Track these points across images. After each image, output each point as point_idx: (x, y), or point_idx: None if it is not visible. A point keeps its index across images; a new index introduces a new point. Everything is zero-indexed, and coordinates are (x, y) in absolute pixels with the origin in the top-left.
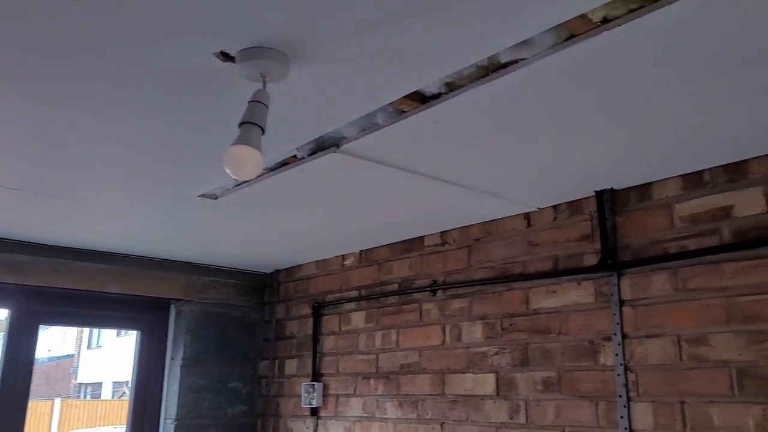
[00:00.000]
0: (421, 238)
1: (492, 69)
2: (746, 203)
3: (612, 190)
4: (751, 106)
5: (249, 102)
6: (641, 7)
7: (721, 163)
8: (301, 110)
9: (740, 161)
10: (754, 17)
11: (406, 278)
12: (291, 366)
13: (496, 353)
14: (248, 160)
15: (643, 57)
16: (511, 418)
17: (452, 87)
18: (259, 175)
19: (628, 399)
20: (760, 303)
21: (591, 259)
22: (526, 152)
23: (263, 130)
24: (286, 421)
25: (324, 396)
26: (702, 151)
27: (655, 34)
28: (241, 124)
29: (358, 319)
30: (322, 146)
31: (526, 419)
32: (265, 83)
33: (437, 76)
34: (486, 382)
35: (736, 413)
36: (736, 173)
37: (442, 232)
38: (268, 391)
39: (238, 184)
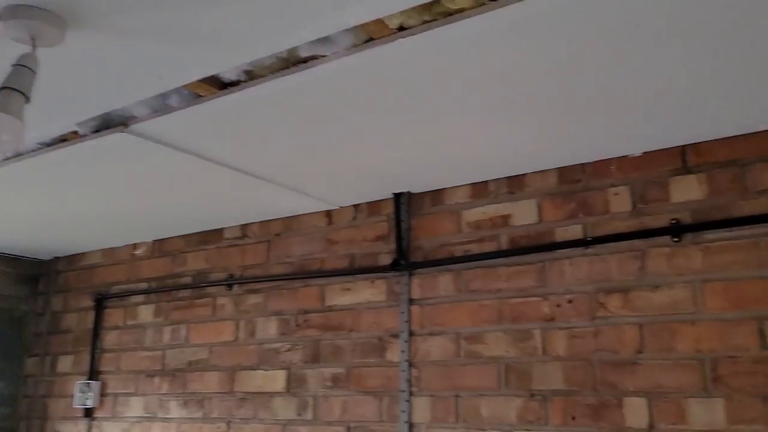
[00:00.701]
0: (220, 231)
1: (292, 62)
2: (522, 213)
3: (409, 193)
4: (527, 126)
5: (12, 66)
6: (434, 20)
7: (504, 176)
8: (81, 82)
9: (519, 175)
10: (531, 47)
11: (200, 271)
12: (65, 363)
13: (289, 349)
14: (5, 130)
15: (434, 68)
16: (299, 415)
17: (252, 76)
18: (33, 150)
19: (410, 394)
20: (526, 305)
21: (385, 259)
22: (329, 150)
23: (27, 99)
24: (54, 424)
25: (101, 396)
26: (487, 162)
27: (447, 47)
28: (0, 89)
29: (145, 313)
30: (108, 124)
31: (314, 415)
32: (34, 47)
33: (234, 63)
34: (276, 379)
35: (501, 405)
36: (515, 185)
37: (242, 225)
38: (35, 391)
39: (6, 158)
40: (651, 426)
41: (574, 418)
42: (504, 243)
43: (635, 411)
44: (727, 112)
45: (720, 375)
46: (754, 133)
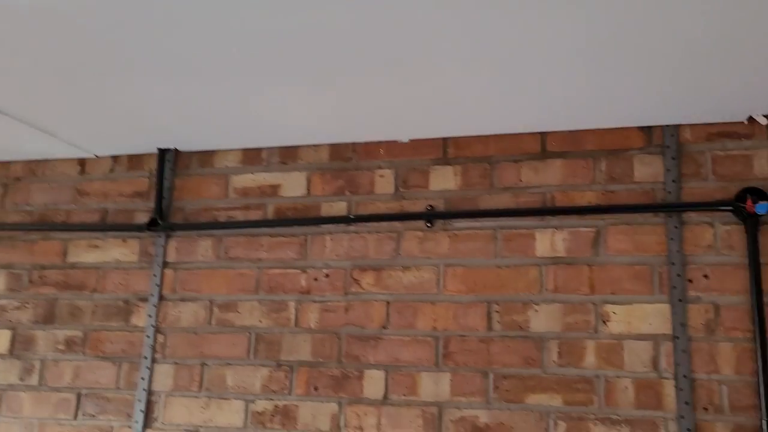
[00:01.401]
0: None
1: None
2: (291, 185)
3: (176, 150)
4: (303, 97)
5: None
6: None
7: (278, 145)
8: None
9: (293, 146)
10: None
11: None
12: None
13: (18, 308)
14: None
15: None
16: (22, 380)
17: None
18: None
19: (153, 361)
20: (284, 276)
21: (142, 218)
22: (86, 89)
23: None
24: None
25: None
26: (262, 129)
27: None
28: None
29: None
30: None
31: (39, 381)
32: None
33: None
34: None
35: (248, 374)
36: (287, 156)
37: None
38: None
39: None
40: (385, 397)
41: (316, 389)
42: (270, 213)
43: (373, 383)
44: (484, 112)
45: (450, 352)
46: (504, 134)
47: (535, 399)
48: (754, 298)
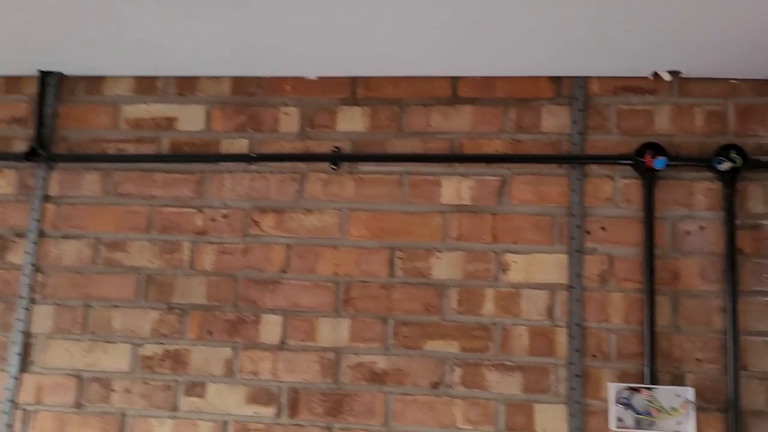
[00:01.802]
0: None
1: None
2: (189, 118)
3: (60, 74)
4: (205, 22)
5: None
6: None
7: (175, 74)
8: None
9: (192, 77)
10: None
11: None
12: None
13: None
14: None
15: None
16: None
17: None
18: None
19: (31, 301)
20: (179, 215)
21: (20, 146)
22: None
23: None
24: None
25: None
26: (158, 56)
27: None
28: None
29: None
30: None
31: None
32: None
33: None
34: None
35: (137, 317)
36: (186, 87)
37: None
38: None
39: None
40: (282, 342)
41: (210, 333)
42: (165, 147)
43: (270, 328)
44: (395, 52)
45: (350, 298)
46: (415, 77)
47: (433, 345)
48: (646, 250)
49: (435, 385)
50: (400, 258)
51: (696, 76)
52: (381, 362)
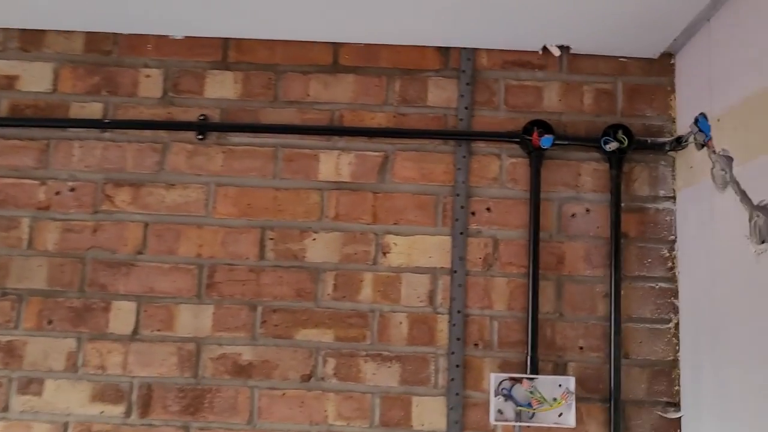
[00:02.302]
0: None
1: None
2: (33, 77)
3: None
4: None
5: None
6: None
7: (18, 27)
8: None
9: (38, 30)
10: None
11: None
12: None
13: None
14: None
15: None
16: None
17: None
18: None
19: None
20: (18, 187)
21: None
22: None
23: None
24: None
25: None
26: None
27: None
28: None
29: None
30: None
31: None
32: None
33: None
34: None
35: None
36: (30, 42)
37: None
38: None
39: None
40: (135, 332)
41: (51, 322)
42: (3, 109)
43: (122, 316)
44: (271, 13)
45: (215, 282)
46: (293, 41)
47: (305, 334)
48: (531, 233)
49: (306, 378)
50: (272, 239)
51: (585, 52)
52: (247, 353)
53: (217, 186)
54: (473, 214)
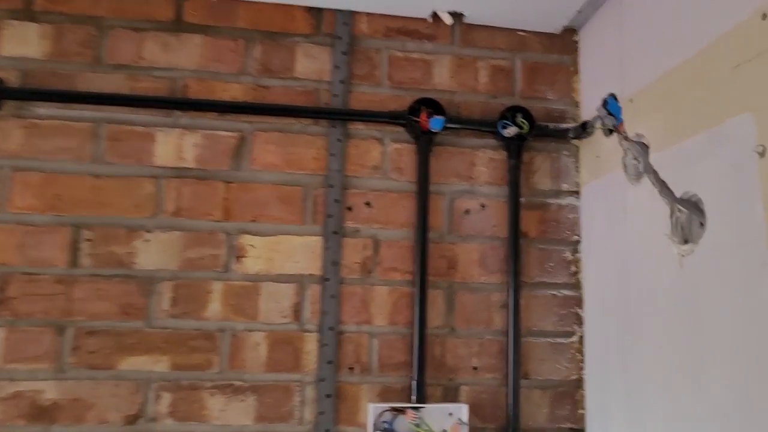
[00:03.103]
0: None
1: None
2: None
3: None
4: None
5: None
6: None
7: None
8: None
9: None
10: None
11: None
12: None
13: None
14: None
15: None
16: None
17: None
18: None
19: None
20: None
21: None
22: None
23: None
24: None
25: None
26: None
27: None
28: None
29: None
30: None
31: None
32: None
33: None
34: None
35: None
36: None
37: None
38: None
39: None
40: None
41: None
42: None
43: None
44: None
45: (7, 297)
46: None
47: (132, 363)
48: (419, 233)
49: (131, 420)
50: (89, 240)
51: (481, 22)
52: (51, 391)
53: (14, 171)
54: (350, 209)
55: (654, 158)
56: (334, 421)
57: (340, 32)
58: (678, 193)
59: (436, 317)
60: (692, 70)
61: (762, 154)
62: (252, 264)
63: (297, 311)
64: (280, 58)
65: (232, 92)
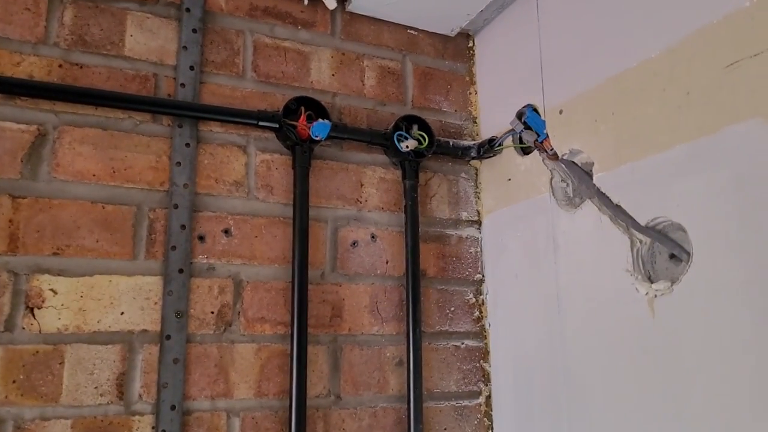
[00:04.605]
0: None
1: None
2: None
3: None
4: None
5: None
6: None
7: None
8: None
9: None
10: None
11: None
12: None
13: None
14: None
15: None
16: None
17: None
18: None
19: None
20: None
21: None
22: None
23: None
24: None
25: None
26: None
27: None
28: None
29: None
30: None
31: None
32: None
33: None
34: None
35: None
36: None
37: None
38: None
39: None
40: None
41: None
42: None
43: None
44: None
45: None
46: None
47: None
48: (295, 271)
49: None
50: None
51: (367, 12)
52: None
53: None
54: (201, 239)
55: (601, 178)
56: None
57: (190, 3)
58: (644, 221)
59: (318, 382)
60: (653, 73)
61: None
62: (52, 318)
63: (121, 386)
64: (102, 26)
65: (28, 68)
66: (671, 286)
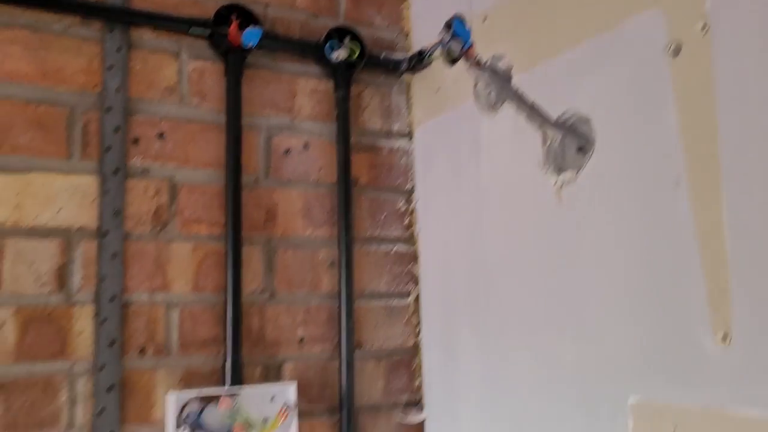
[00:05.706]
0: None
1: None
2: None
3: None
4: None
5: None
6: None
7: None
8: None
9: None
10: None
11: None
12: None
13: None
14: None
15: None
16: None
17: None
18: None
19: None
20: None
21: None
22: None
23: None
24: None
25: None
26: None
27: None
28: None
29: None
30: None
31: None
32: None
33: None
34: None
35: None
36: None
37: None
38: None
39: None
40: None
41: None
42: None
43: None
44: None
45: None
46: None
47: None
48: (229, 174)
49: None
50: None
51: None
52: None
53: None
54: (136, 141)
55: (520, 79)
56: (119, 421)
57: None
58: (555, 116)
59: (252, 280)
60: None
61: (676, 52)
62: None
63: (62, 277)
64: None
65: None
66: (576, 174)
